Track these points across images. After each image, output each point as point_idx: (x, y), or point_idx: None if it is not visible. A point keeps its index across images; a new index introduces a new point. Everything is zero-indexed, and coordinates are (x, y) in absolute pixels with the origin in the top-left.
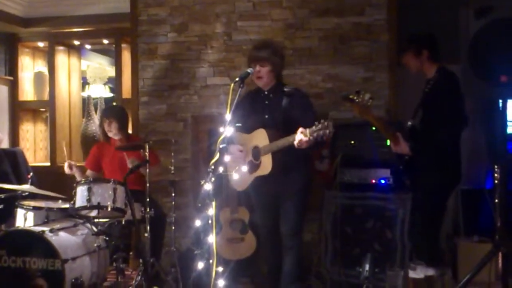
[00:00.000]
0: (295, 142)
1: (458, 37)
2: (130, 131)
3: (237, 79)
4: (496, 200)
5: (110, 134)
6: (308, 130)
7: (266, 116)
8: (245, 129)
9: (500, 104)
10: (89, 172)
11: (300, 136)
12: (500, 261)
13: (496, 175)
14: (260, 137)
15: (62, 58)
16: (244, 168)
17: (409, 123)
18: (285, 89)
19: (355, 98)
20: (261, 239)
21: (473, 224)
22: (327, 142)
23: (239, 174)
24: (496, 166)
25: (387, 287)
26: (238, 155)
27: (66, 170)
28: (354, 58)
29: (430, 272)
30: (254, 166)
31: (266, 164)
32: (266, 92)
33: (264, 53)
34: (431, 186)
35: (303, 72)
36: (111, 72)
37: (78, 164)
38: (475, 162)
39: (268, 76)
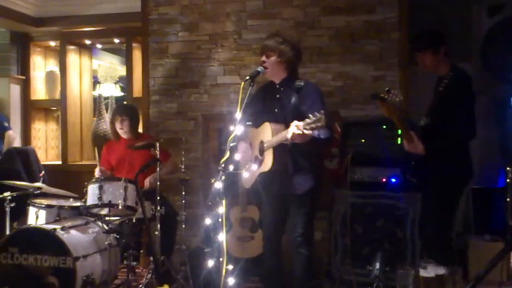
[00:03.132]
0: (288, 136)
1: (470, 35)
2: (140, 131)
3: (247, 77)
4: (508, 199)
5: (121, 132)
6: (301, 123)
7: (276, 110)
8: (257, 124)
9: None
10: (108, 173)
11: (293, 129)
12: (511, 260)
13: (508, 173)
14: (266, 132)
15: (73, 58)
16: (254, 166)
17: (422, 122)
18: (297, 83)
19: (385, 97)
20: (264, 240)
21: (485, 223)
22: (336, 140)
23: (248, 172)
24: (508, 165)
25: (398, 286)
26: (246, 152)
27: (97, 174)
28: (365, 56)
29: (441, 271)
30: (260, 161)
31: (267, 160)
32: (277, 86)
33: (269, 43)
34: (443, 184)
35: (314, 71)
36: (122, 71)
37: (92, 163)
38: (487, 161)
39: (274, 67)
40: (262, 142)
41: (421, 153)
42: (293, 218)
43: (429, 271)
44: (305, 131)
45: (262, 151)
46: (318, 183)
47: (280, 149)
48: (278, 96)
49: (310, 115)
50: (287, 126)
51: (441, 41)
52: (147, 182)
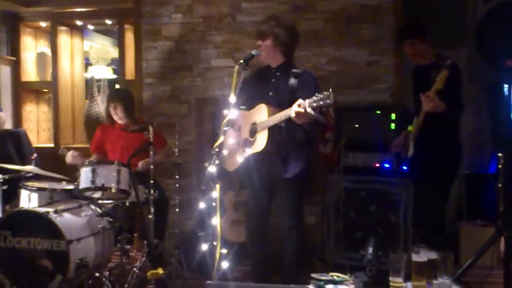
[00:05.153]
0: (292, 114)
1: (464, 21)
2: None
3: (241, 61)
4: (500, 185)
5: (116, 118)
6: (306, 101)
7: (271, 94)
8: (249, 106)
9: (506, 89)
10: (94, 157)
11: (297, 108)
12: (502, 245)
13: (500, 159)
14: (260, 113)
15: (64, 39)
16: (243, 149)
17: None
18: (294, 70)
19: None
20: (249, 225)
21: (476, 208)
22: (331, 124)
23: (237, 155)
24: (500, 151)
25: (390, 270)
26: (234, 138)
27: (69, 159)
28: (360, 41)
29: (433, 255)
30: (249, 143)
31: (260, 141)
32: (273, 70)
33: (265, 27)
34: (436, 170)
35: (308, 55)
36: (114, 53)
37: (84, 146)
38: (479, 147)
39: (270, 50)
40: (254, 124)
41: (441, 110)
42: (282, 202)
43: (421, 256)
44: (309, 109)
45: (254, 132)
46: (307, 168)
47: (275, 131)
48: (273, 80)
49: (317, 93)
50: (282, 110)
51: (427, 29)
52: (140, 164)
